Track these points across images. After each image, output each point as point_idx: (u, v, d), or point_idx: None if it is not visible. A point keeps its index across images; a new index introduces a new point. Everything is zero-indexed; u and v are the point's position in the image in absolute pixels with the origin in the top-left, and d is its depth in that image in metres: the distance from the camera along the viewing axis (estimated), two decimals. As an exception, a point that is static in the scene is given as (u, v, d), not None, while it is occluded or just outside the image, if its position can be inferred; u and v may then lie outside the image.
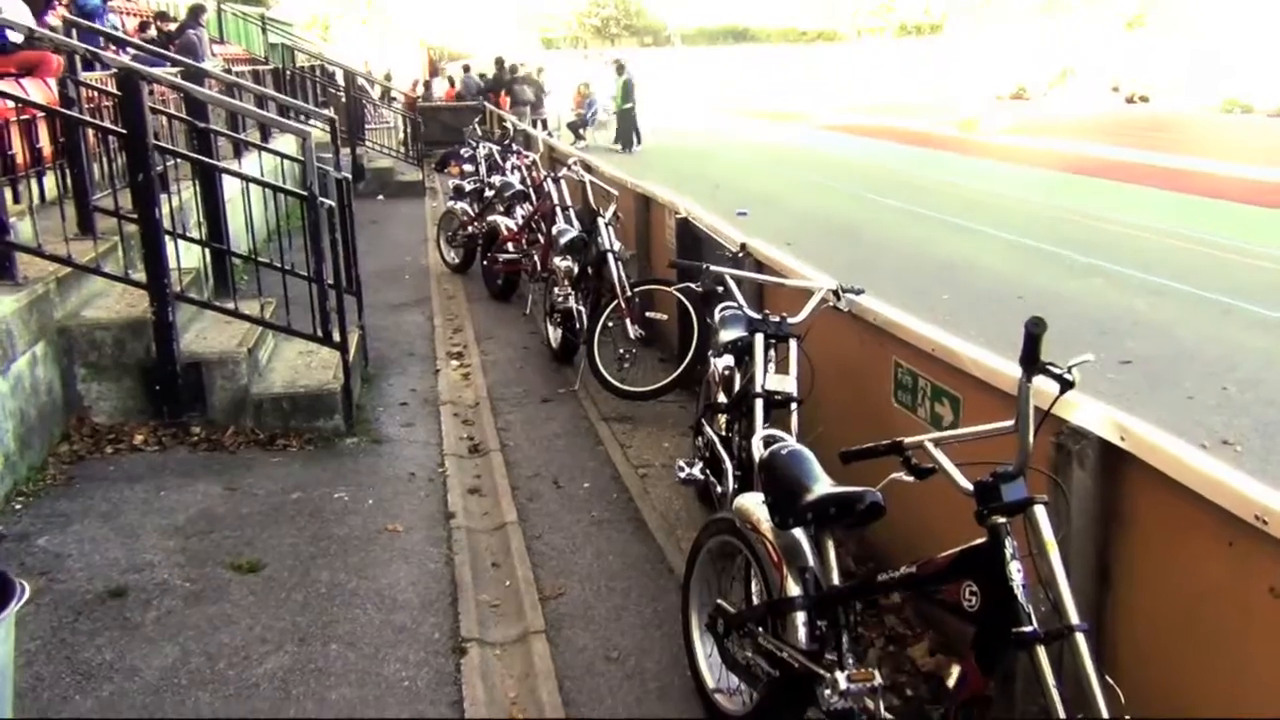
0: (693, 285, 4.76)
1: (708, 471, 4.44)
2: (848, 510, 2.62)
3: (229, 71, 12.08)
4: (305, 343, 6.03)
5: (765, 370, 3.86)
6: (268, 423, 5.64)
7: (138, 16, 16.40)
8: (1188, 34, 54.01)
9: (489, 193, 10.74)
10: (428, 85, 29.83)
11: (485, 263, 9.53)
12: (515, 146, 12.83)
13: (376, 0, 74.71)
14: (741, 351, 4.45)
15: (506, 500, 5.02)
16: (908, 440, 2.45)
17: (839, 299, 4.06)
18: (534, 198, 9.59)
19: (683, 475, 4.50)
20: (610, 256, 6.38)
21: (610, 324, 6.44)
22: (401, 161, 18.34)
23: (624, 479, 5.29)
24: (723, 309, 4.71)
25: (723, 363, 4.55)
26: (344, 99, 18.48)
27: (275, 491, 4.98)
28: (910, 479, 2.44)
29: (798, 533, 2.82)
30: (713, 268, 4.30)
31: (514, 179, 10.07)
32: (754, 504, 3.00)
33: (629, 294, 6.26)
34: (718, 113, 44.71)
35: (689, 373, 6.05)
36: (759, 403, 3.79)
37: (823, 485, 2.71)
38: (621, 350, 6.43)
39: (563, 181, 8.56)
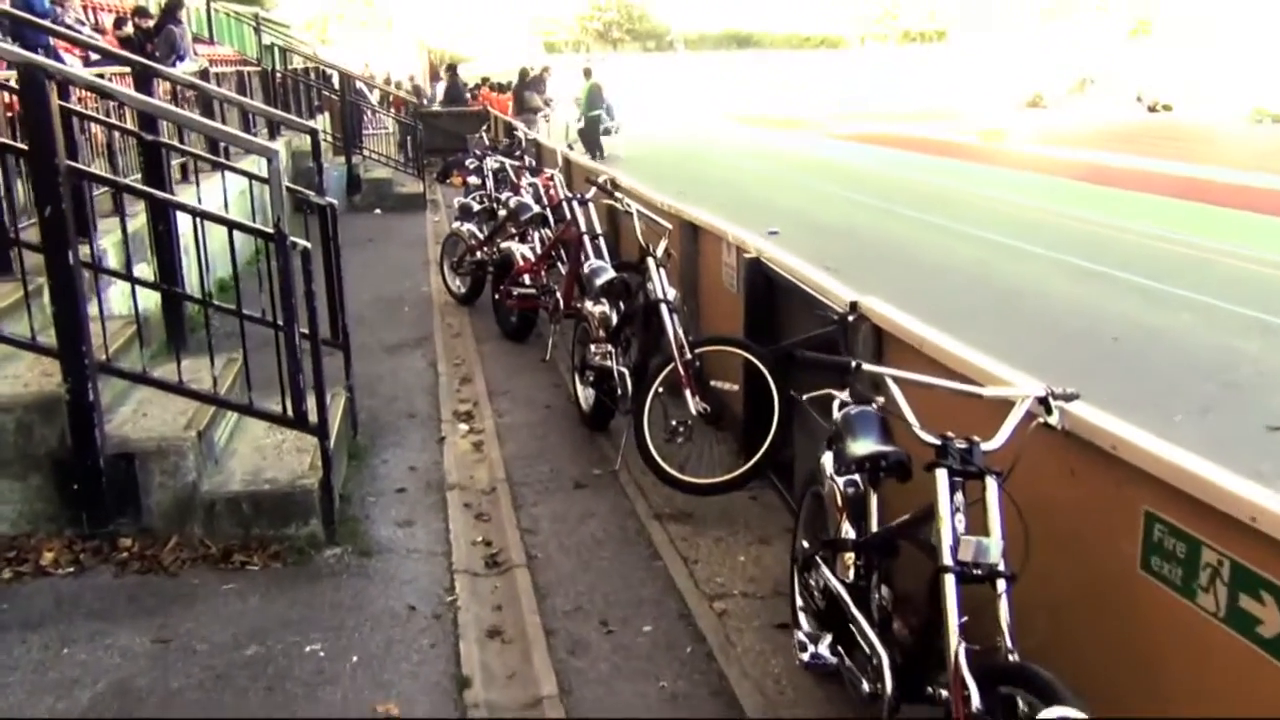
0: (838, 394, 3.39)
1: (842, 652, 3.09)
2: None
3: (204, 74, 10.74)
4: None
5: (954, 526, 2.52)
6: (222, 531, 4.30)
7: (114, 12, 15.09)
8: (1203, 40, 52.93)
9: (501, 212, 9.42)
10: (434, 81, 28.13)
11: (497, 296, 8.19)
12: (528, 160, 11.55)
13: (377, 2, 73.73)
14: (877, 470, 3.13)
15: (540, 654, 3.68)
16: None
17: (1048, 410, 2.72)
18: (552, 220, 8.28)
19: (805, 657, 3.15)
20: (664, 308, 5.04)
21: (661, 389, 5.09)
22: (400, 171, 16.99)
23: (696, 618, 3.94)
24: (846, 405, 3.39)
25: (846, 482, 3.23)
26: (340, 103, 17.14)
27: (224, 644, 3.63)
28: None
29: None
30: (867, 367, 2.94)
31: (528, 198, 8.73)
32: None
33: (689, 356, 4.91)
34: (726, 119, 43.45)
35: (768, 460, 4.71)
36: (950, 581, 2.45)
37: None
38: (674, 422, 5.08)
39: (590, 205, 7.23)
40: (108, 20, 14.64)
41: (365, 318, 8.69)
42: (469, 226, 9.27)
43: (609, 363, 5.48)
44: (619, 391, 5.41)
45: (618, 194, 5.50)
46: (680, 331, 4.96)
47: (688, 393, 4.88)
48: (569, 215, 7.40)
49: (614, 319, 5.74)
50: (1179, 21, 54.86)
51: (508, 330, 8.15)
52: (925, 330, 3.54)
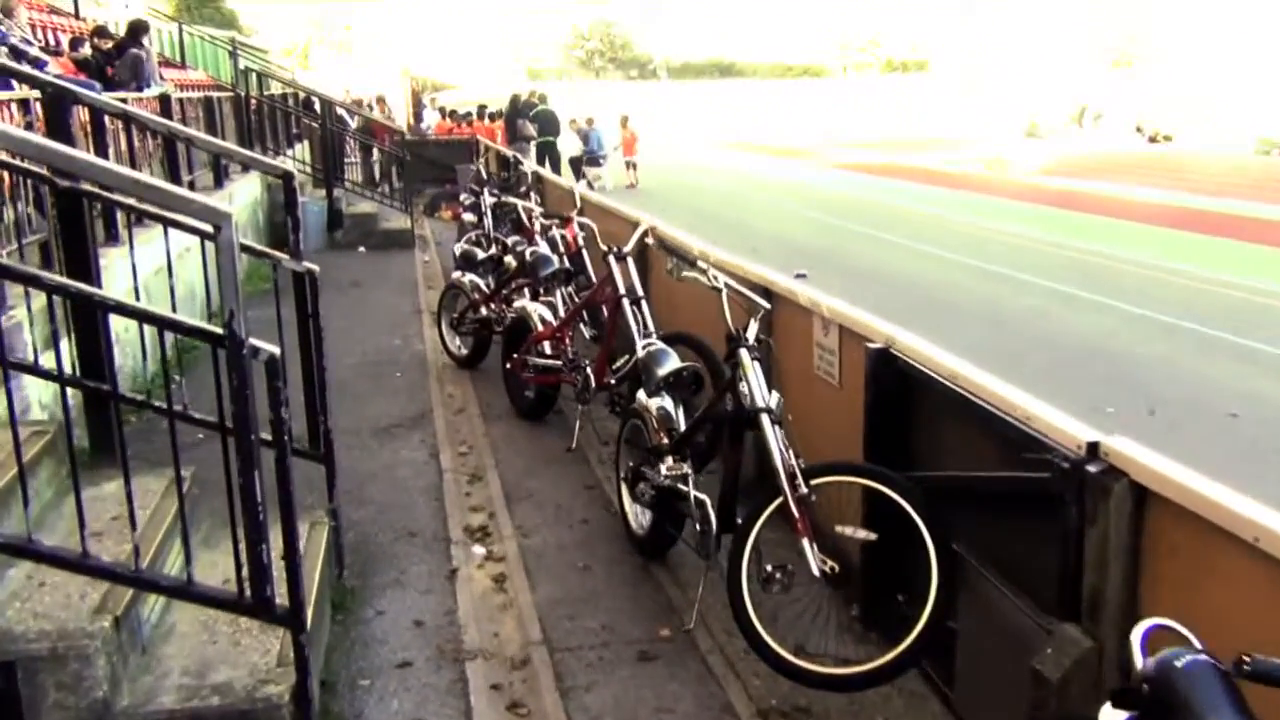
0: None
1: None
2: None
3: (166, 101, 9.39)
4: (225, 570, 3.28)
5: None
6: (146, 772, 2.91)
7: (70, 33, 13.75)
8: (1197, 70, 52.55)
9: (507, 259, 8.12)
10: (418, 117, 26.81)
11: (509, 365, 6.83)
12: (534, 197, 10.27)
13: (358, 28, 72.79)
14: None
15: None
16: None
17: None
18: (572, 274, 6.98)
19: None
20: (766, 419, 3.68)
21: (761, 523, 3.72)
22: (386, 205, 15.64)
23: None
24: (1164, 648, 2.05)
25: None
26: (320, 132, 15.79)
27: None
28: None
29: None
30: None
31: (545, 247, 7.41)
32: None
33: (804, 490, 3.56)
34: (717, 148, 42.45)
35: (926, 641, 3.35)
36: None
37: None
38: (769, 567, 3.70)
39: (629, 260, 5.92)
40: (67, 41, 13.34)
41: (350, 386, 7.34)
42: (472, 277, 7.91)
43: (684, 486, 4.11)
44: (699, 529, 4.03)
45: (701, 263, 4.10)
46: (790, 454, 3.61)
47: (805, 543, 3.52)
48: (608, 273, 6.05)
49: (679, 420, 4.39)
50: (1161, 52, 54.49)
51: (522, 407, 6.79)
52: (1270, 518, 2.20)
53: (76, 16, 17.15)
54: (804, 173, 30.47)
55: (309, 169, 15.85)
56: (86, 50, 11.90)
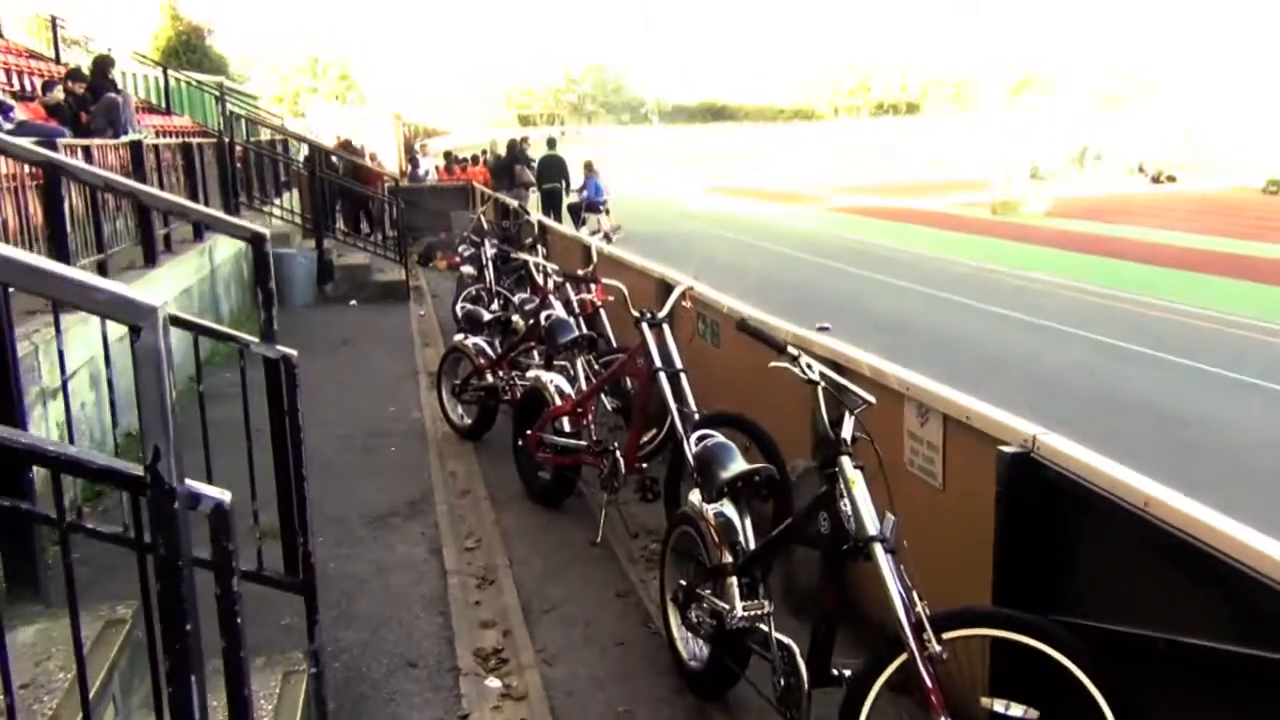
0: None
1: None
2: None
3: (138, 149, 8.59)
4: None
5: None
6: None
7: (43, 76, 13.00)
8: (1190, 111, 52.34)
9: (514, 318, 7.34)
10: (413, 162, 26.12)
11: (521, 442, 5.97)
12: (541, 250, 9.49)
13: (351, 74, 72.63)
14: None
15: None
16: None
17: None
18: (594, 341, 6.15)
19: None
20: (879, 550, 2.81)
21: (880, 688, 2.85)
22: (379, 256, 14.84)
23: None
24: None
25: None
26: (310, 179, 15.02)
27: None
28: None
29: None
30: None
31: (560, 309, 6.60)
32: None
33: (935, 647, 2.68)
34: (713, 193, 41.83)
35: None
36: None
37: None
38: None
39: (665, 326, 5.07)
40: (41, 85, 12.59)
41: (337, 464, 6.49)
42: (476, 340, 7.07)
43: (764, 627, 3.24)
44: (781, 681, 3.15)
45: (790, 348, 3.19)
46: (915, 597, 2.74)
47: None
48: (612, 335, 5.23)
49: (746, 533, 3.53)
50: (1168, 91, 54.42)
51: (536, 489, 5.92)
52: None
53: (57, 61, 16.45)
54: (806, 218, 29.79)
55: (298, 218, 15.07)
56: (58, 94, 11.10)
